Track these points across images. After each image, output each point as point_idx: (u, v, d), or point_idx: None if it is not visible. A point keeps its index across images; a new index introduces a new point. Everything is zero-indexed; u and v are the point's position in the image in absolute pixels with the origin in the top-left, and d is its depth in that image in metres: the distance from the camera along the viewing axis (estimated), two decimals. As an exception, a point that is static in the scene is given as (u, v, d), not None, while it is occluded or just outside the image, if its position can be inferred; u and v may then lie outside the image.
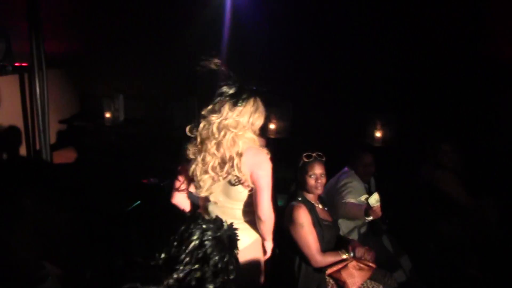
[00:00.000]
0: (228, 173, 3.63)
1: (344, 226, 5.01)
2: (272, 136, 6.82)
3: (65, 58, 8.87)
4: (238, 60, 4.31)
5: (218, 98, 3.63)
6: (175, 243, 2.26)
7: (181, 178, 3.95)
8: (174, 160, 4.80)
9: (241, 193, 3.73)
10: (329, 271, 4.24)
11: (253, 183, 3.66)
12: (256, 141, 3.70)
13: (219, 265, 2.30)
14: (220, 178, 3.66)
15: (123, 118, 8.39)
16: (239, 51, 6.80)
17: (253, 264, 3.85)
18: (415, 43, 6.71)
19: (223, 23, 7.46)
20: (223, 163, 3.61)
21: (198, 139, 3.67)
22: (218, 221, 2.41)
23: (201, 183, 3.70)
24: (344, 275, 4.20)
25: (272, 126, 6.94)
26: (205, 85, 3.71)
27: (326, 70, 6.91)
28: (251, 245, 3.85)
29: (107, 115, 8.23)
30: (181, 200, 4.00)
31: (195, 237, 2.29)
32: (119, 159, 7.78)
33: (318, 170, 4.45)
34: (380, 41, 6.86)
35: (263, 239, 3.92)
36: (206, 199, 3.84)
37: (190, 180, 3.86)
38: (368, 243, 4.76)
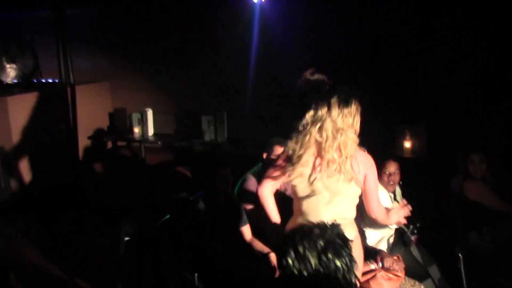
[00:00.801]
0: (340, 172, 3.64)
1: (372, 236, 5.00)
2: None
3: (94, 74, 9.01)
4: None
5: (324, 102, 3.60)
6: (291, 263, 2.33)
7: (277, 172, 3.96)
8: (203, 174, 4.87)
9: (349, 190, 3.74)
10: (358, 281, 4.25)
11: (364, 184, 3.76)
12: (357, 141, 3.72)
13: (343, 265, 2.34)
14: (330, 177, 3.68)
15: (153, 133, 8.46)
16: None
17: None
18: (445, 50, 6.73)
19: (252, 39, 7.54)
20: (337, 163, 3.63)
21: (308, 141, 3.66)
22: (320, 225, 2.45)
23: (314, 183, 3.72)
24: (373, 285, 4.19)
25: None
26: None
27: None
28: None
29: (136, 130, 8.31)
30: (267, 193, 4.05)
31: (312, 253, 2.34)
32: (149, 174, 7.85)
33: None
34: (412, 50, 6.90)
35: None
36: (307, 196, 3.81)
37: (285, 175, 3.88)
38: (396, 253, 4.76)
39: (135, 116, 8.40)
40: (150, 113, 8.41)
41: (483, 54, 6.55)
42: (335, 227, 2.45)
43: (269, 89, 7.84)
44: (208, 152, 8.25)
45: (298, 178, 3.74)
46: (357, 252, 3.64)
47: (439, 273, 5.08)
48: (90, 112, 8.63)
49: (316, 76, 3.69)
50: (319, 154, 3.65)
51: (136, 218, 5.26)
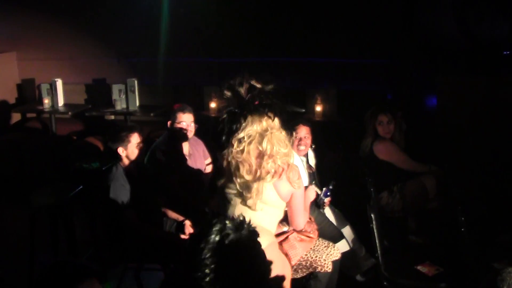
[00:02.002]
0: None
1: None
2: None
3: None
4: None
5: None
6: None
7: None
8: (115, 143, 4.79)
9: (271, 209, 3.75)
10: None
11: (290, 200, 3.77)
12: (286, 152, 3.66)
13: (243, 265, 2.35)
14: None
15: (63, 103, 8.27)
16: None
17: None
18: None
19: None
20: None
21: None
22: (237, 220, 2.45)
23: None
24: (286, 247, 4.22)
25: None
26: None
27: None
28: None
29: (46, 100, 8.10)
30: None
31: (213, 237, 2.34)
32: (60, 144, 7.69)
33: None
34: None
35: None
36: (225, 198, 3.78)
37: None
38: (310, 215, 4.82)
39: (44, 87, 8.17)
40: (59, 83, 8.20)
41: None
42: (249, 226, 2.48)
43: (180, 56, 7.82)
44: (120, 121, 8.15)
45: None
46: (275, 258, 3.65)
47: (353, 233, 5.20)
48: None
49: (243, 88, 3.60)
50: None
51: (48, 190, 5.13)
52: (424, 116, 6.81)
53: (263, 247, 2.54)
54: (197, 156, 5.49)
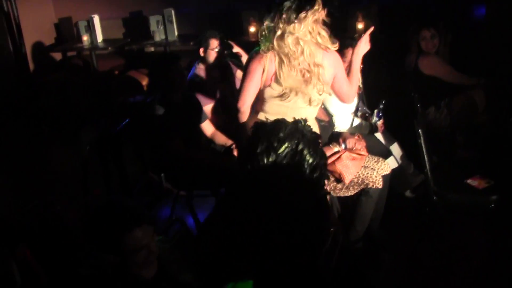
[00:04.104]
0: (311, 83, 3.66)
1: (340, 122, 5.02)
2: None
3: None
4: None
5: (279, 11, 3.54)
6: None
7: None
8: (157, 74, 4.80)
9: (319, 97, 3.80)
10: (322, 164, 4.29)
11: (333, 83, 3.82)
12: (325, 36, 3.64)
13: (314, 160, 2.35)
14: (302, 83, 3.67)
15: (102, 39, 8.29)
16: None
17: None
18: None
19: None
20: (307, 76, 3.63)
21: (276, 52, 3.62)
22: (294, 121, 2.45)
23: (291, 94, 3.70)
24: (339, 166, 4.26)
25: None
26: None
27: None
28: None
29: (84, 38, 8.12)
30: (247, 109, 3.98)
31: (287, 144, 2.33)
32: (103, 80, 7.75)
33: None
34: None
35: None
36: (278, 98, 3.79)
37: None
38: (357, 132, 4.82)
39: (82, 24, 8.17)
40: (96, 19, 8.20)
41: None
42: (307, 124, 2.46)
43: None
44: (160, 52, 8.15)
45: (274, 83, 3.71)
46: None
47: (401, 150, 5.18)
48: (35, 25, 8.37)
49: None
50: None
51: (95, 126, 5.20)
52: (472, 27, 6.63)
53: None
54: (232, 80, 5.48)
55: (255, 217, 2.35)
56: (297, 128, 2.39)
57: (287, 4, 3.51)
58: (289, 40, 3.54)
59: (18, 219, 3.84)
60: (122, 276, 2.56)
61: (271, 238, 2.35)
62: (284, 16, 3.51)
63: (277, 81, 3.66)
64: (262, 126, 2.44)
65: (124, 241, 2.51)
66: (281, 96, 3.71)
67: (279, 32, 3.56)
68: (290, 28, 3.52)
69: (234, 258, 2.37)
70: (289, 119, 2.45)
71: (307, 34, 3.55)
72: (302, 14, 3.49)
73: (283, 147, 2.33)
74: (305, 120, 2.46)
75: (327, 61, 3.67)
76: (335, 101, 4.77)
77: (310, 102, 3.76)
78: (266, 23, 3.64)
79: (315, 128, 3.61)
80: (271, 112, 3.81)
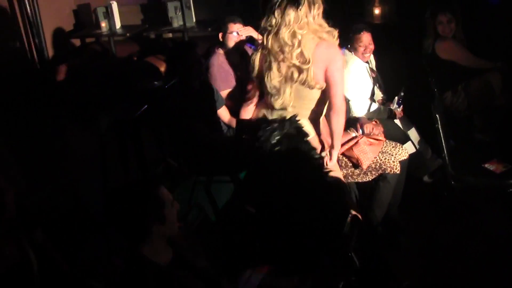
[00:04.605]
0: (304, 78, 3.60)
1: (358, 108, 5.02)
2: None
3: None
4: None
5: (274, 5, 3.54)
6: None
7: (250, 92, 3.95)
8: (175, 60, 4.83)
9: (313, 92, 3.69)
10: (341, 150, 4.32)
11: (326, 78, 3.62)
12: (323, 26, 3.62)
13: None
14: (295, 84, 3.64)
15: (120, 25, 8.32)
16: None
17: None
18: None
19: None
20: (299, 70, 3.58)
21: (267, 51, 3.63)
22: (280, 119, 2.52)
23: (281, 93, 3.65)
24: (356, 152, 4.29)
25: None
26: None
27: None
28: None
29: (103, 24, 8.15)
30: (249, 113, 4.00)
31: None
32: (121, 66, 7.78)
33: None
34: None
35: (330, 145, 3.81)
36: (272, 94, 3.74)
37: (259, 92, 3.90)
38: (374, 118, 4.83)
39: (100, 10, 8.20)
40: (115, 5, 8.22)
41: None
42: (293, 122, 2.52)
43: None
44: (178, 38, 8.17)
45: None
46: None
47: (418, 135, 5.18)
48: (53, 12, 8.41)
49: None
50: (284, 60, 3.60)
51: (114, 111, 5.23)
52: (488, 9, 6.58)
53: None
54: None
55: (268, 202, 2.40)
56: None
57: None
58: (285, 34, 3.52)
59: (35, 204, 3.89)
60: (137, 263, 2.59)
61: (286, 222, 2.40)
62: (276, 12, 3.52)
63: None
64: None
65: (148, 200, 2.57)
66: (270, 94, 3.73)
67: (274, 29, 3.57)
68: (286, 21, 3.51)
69: (252, 245, 2.42)
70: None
71: (305, 26, 3.53)
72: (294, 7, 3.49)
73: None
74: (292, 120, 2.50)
75: (319, 53, 3.58)
76: (352, 85, 4.80)
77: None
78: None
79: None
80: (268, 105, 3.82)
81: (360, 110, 4.91)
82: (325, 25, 3.62)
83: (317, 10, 3.57)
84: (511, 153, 4.66)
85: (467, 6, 5.88)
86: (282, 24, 3.52)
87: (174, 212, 2.68)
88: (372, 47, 5.11)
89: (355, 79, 4.93)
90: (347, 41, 5.08)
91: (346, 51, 5.08)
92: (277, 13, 3.53)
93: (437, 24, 5.50)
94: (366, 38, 5.05)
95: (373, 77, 5.17)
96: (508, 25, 5.72)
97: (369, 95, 5.02)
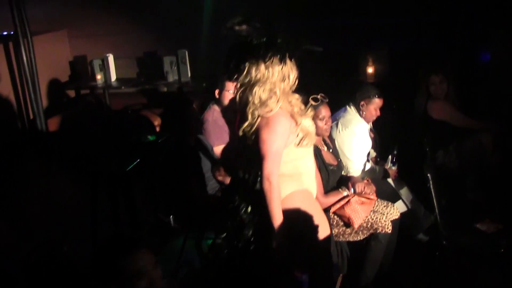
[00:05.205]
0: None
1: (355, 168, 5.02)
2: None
3: (50, 23, 8.79)
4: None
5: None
6: None
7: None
8: (171, 116, 4.86)
9: None
10: (333, 209, 4.32)
11: None
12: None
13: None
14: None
15: (115, 78, 8.37)
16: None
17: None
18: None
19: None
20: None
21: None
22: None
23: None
24: (348, 211, 4.28)
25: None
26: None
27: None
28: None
29: (98, 76, 8.21)
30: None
31: None
32: (115, 119, 7.80)
33: (326, 112, 4.37)
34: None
35: None
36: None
37: None
38: (366, 177, 4.84)
39: (96, 63, 8.26)
40: (111, 58, 8.29)
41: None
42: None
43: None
44: (173, 92, 8.21)
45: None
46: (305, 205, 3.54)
47: (410, 194, 5.19)
48: (50, 62, 8.47)
49: (245, 27, 3.41)
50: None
51: (106, 164, 5.23)
52: (478, 71, 6.68)
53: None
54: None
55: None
56: None
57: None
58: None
59: (23, 260, 3.85)
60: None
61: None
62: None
63: None
64: None
65: (124, 265, 2.53)
66: None
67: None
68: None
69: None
70: None
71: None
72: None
73: None
74: None
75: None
76: (354, 146, 4.80)
77: None
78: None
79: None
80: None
81: (357, 170, 4.91)
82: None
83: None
84: (502, 212, 4.67)
85: (459, 65, 5.96)
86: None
87: (158, 272, 2.65)
88: (379, 112, 5.09)
89: (358, 141, 4.91)
90: (347, 101, 5.09)
91: (350, 110, 5.09)
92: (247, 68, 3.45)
93: (429, 85, 5.57)
94: (379, 103, 5.04)
95: (372, 138, 5.18)
96: (497, 85, 5.81)
97: (366, 155, 5.05)
